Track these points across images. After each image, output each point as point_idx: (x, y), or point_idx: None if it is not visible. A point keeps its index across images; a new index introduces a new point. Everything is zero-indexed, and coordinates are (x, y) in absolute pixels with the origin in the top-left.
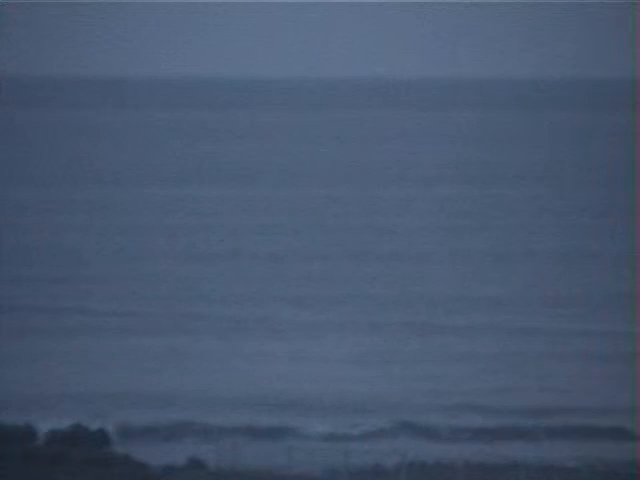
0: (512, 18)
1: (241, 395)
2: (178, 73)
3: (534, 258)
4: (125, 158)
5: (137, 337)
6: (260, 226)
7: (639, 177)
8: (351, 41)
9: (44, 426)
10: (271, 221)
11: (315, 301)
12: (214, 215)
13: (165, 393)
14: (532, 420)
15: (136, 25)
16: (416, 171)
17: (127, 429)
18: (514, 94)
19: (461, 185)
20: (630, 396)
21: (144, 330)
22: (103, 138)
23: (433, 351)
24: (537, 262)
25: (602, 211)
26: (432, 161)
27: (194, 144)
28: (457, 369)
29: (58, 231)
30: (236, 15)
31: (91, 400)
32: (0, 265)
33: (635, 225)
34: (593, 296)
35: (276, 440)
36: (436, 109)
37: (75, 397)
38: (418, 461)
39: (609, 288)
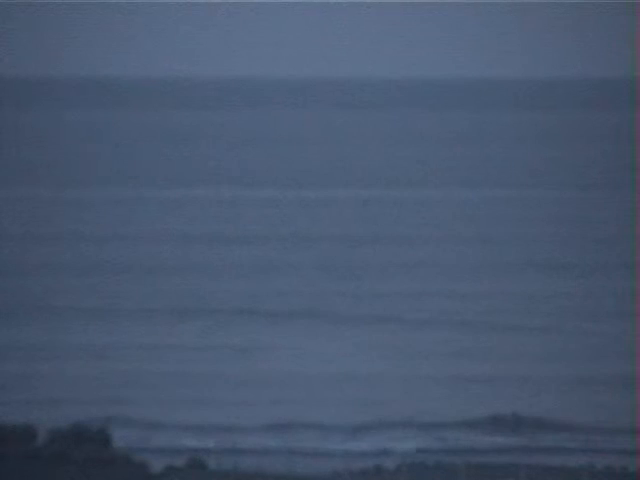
0: (512, 18)
1: None
2: (178, 73)
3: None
4: (124, 159)
5: None
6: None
7: (639, 178)
8: (351, 41)
9: (44, 426)
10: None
11: None
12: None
13: None
14: None
15: (136, 25)
16: (427, 172)
17: None
18: (513, 94)
19: (463, 187)
20: None
21: None
22: (103, 138)
23: None
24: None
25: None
26: (438, 162)
27: (194, 145)
28: None
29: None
30: (236, 15)
31: None
32: None
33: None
34: None
35: None
36: (436, 109)
37: None
38: (418, 461)
39: None
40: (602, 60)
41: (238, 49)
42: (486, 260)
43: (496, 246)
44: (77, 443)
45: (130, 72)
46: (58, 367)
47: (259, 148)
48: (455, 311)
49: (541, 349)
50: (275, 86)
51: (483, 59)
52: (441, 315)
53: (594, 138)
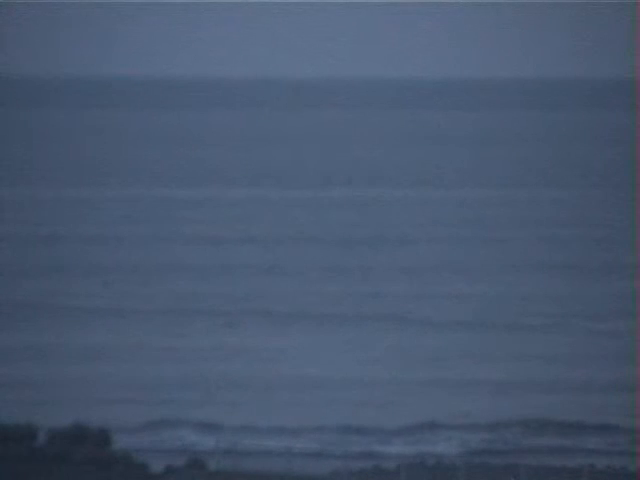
0: (512, 18)
1: None
2: (177, 73)
3: None
4: (124, 159)
5: None
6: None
7: (639, 178)
8: (352, 41)
9: (44, 426)
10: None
11: None
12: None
13: None
14: None
15: (137, 25)
16: (428, 173)
17: None
18: (514, 94)
19: (464, 187)
20: None
21: None
22: (103, 138)
23: None
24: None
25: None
26: (438, 163)
27: (195, 145)
28: None
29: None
30: (236, 15)
31: None
32: None
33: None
34: None
35: None
36: (436, 109)
37: None
38: (418, 461)
39: None
40: (603, 60)
41: (238, 49)
42: (487, 260)
43: (497, 246)
44: (77, 443)
45: (130, 72)
46: (58, 367)
47: (260, 148)
48: (455, 312)
49: (542, 349)
50: (275, 86)
51: (483, 59)
52: (442, 316)
53: (594, 138)
